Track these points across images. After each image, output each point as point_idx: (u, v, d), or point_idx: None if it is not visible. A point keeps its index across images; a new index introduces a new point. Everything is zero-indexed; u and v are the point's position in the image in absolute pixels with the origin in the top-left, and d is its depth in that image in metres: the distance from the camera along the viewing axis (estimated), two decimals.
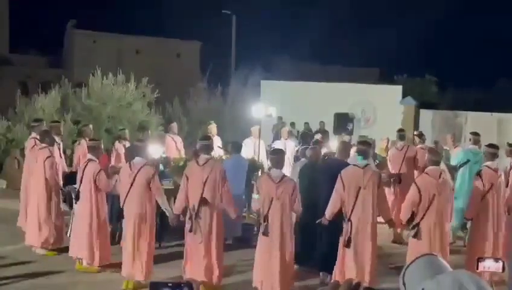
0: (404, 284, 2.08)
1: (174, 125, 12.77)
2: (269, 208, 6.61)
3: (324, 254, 7.40)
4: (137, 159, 7.23)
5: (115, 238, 8.75)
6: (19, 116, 16.65)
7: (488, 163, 7.70)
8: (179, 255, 7.42)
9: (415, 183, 7.07)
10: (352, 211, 6.73)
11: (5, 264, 8.14)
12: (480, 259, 3.99)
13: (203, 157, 7.11)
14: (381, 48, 37.66)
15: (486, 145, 8.19)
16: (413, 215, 6.93)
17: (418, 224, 6.85)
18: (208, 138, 7.66)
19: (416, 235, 6.83)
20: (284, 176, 6.83)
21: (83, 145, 10.34)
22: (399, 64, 35.97)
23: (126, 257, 7.16)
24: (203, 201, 6.88)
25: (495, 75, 35.93)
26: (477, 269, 3.88)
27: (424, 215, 6.81)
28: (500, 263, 3.88)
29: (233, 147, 9.69)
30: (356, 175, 6.78)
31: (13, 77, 30.13)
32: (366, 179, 6.76)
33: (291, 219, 6.81)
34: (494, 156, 7.78)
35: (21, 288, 7.33)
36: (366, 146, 7.13)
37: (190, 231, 6.92)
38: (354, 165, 6.95)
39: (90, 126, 11.07)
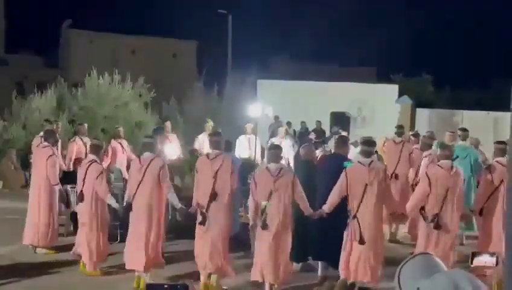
0: (399, 283, 2.07)
1: (168, 124, 12.72)
2: (267, 202, 6.68)
3: (325, 244, 7.40)
4: (146, 154, 7.29)
5: (116, 238, 8.81)
6: (14, 116, 16.61)
7: (499, 159, 7.79)
8: (179, 256, 7.47)
9: (426, 174, 7.29)
10: (358, 208, 6.78)
11: (2, 265, 8.11)
12: (476, 254, 3.99)
13: (213, 152, 7.26)
14: (378, 47, 37.73)
15: (495, 142, 8.37)
16: (423, 207, 7.16)
17: (437, 215, 7.02)
18: (218, 134, 7.79)
19: (438, 227, 7.02)
20: (281, 169, 6.89)
21: (77, 142, 10.34)
22: (395, 63, 36.02)
23: (133, 250, 7.15)
24: (213, 194, 6.98)
25: (491, 74, 35.99)
26: (472, 263, 3.89)
27: (441, 207, 7.01)
28: (495, 258, 3.89)
29: (224, 145, 9.68)
30: (361, 172, 6.84)
31: (9, 77, 30.05)
32: (372, 176, 6.82)
33: (291, 211, 6.84)
34: (503, 152, 7.84)
35: (19, 289, 7.31)
36: (370, 146, 7.17)
37: (200, 223, 7.03)
38: (359, 162, 7.01)
39: (85, 125, 11.07)
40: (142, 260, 7.08)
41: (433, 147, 10.64)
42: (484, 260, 3.77)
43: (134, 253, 7.14)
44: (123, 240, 8.85)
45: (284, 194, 6.72)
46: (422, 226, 7.34)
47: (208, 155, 7.33)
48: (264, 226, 6.69)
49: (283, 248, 6.76)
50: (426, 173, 7.40)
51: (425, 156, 9.60)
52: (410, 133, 12.58)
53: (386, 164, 9.73)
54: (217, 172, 7.02)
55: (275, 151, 7.06)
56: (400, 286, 2.06)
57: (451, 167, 7.21)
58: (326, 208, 6.93)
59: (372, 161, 6.96)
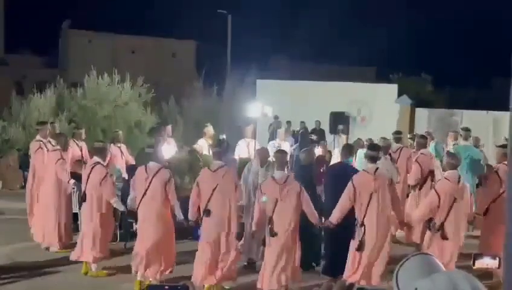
0: (397, 283, 2.07)
1: (169, 128, 12.64)
2: (274, 210, 6.66)
3: (331, 258, 7.40)
4: (151, 163, 7.28)
5: (116, 238, 8.85)
6: (14, 116, 16.61)
7: (506, 161, 7.84)
8: (179, 257, 7.48)
9: (434, 188, 7.32)
10: (365, 215, 6.76)
11: (2, 265, 8.10)
12: (477, 256, 3.96)
13: (215, 163, 7.24)
14: (377, 47, 37.69)
15: (498, 146, 8.47)
16: (430, 219, 7.18)
17: (442, 224, 7.03)
18: (219, 144, 7.82)
19: (444, 236, 7.03)
20: (288, 177, 6.87)
21: (72, 146, 10.36)
22: (394, 63, 36.00)
23: (140, 257, 7.13)
24: (213, 205, 6.96)
25: (491, 73, 35.99)
26: (474, 265, 3.87)
27: (447, 216, 7.02)
28: (497, 260, 3.87)
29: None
30: (367, 181, 6.82)
31: (8, 77, 30.03)
32: (378, 184, 6.80)
33: (298, 220, 6.81)
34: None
35: (19, 288, 7.30)
36: (374, 150, 7.16)
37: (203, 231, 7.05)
38: (364, 170, 6.99)
39: (83, 130, 11.05)
40: (154, 267, 7.11)
41: (430, 148, 10.66)
42: (486, 262, 3.75)
43: (146, 261, 7.12)
44: (123, 240, 8.91)
45: (290, 202, 6.68)
46: (428, 234, 7.34)
47: (210, 167, 7.27)
48: (272, 234, 6.66)
49: (291, 255, 6.73)
50: (435, 187, 7.44)
51: (421, 154, 9.70)
52: (408, 136, 12.59)
53: (397, 166, 9.77)
54: (217, 185, 6.99)
55: (281, 156, 7.05)
56: (397, 286, 2.06)
57: (459, 179, 7.18)
58: (334, 219, 6.85)
59: (377, 168, 6.95)
